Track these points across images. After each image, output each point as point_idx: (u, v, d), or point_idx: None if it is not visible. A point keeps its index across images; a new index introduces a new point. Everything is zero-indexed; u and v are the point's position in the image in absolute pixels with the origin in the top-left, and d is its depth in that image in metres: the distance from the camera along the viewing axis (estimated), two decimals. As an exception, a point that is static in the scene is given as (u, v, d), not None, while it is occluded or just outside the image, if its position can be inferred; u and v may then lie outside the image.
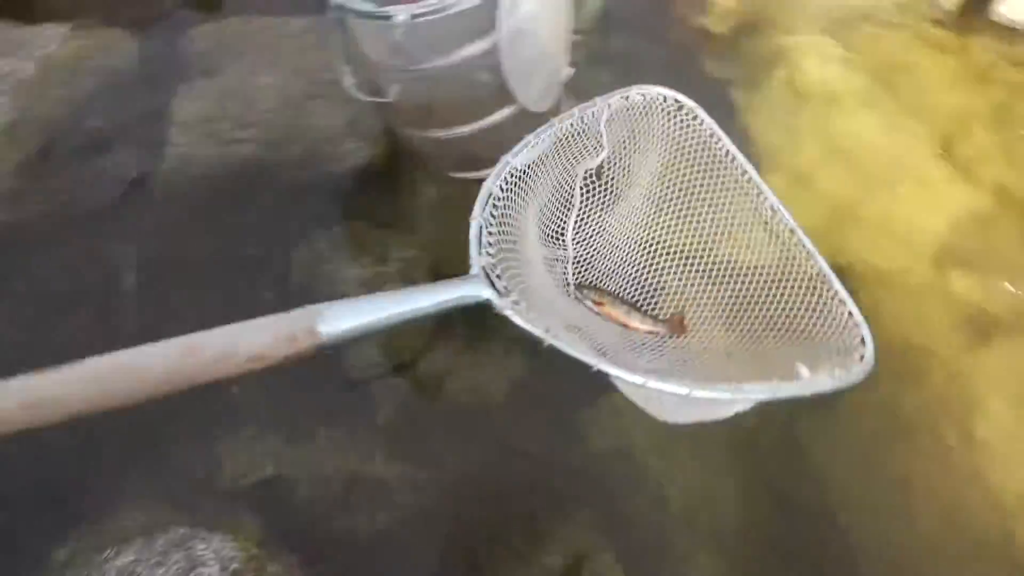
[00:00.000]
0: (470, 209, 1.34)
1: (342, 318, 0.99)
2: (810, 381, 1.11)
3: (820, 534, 2.04)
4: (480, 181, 1.33)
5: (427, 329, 2.28)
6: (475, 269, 1.16)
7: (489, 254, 1.20)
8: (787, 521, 2.13)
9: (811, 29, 3.11)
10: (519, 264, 1.27)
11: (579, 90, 2.51)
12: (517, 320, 1.10)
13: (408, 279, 2.36)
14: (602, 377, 1.08)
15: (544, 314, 1.17)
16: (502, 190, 1.28)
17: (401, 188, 2.56)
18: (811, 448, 2.20)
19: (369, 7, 1.89)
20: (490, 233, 1.23)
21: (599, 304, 1.44)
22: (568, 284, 1.48)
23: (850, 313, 1.22)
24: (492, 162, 2.06)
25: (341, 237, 2.41)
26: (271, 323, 0.95)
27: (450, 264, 2.42)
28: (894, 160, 2.78)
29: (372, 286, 2.33)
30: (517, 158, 1.32)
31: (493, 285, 1.15)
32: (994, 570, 2.06)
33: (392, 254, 2.39)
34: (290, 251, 2.37)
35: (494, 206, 1.26)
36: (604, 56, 2.89)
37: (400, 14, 1.83)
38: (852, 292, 1.29)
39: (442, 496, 2.01)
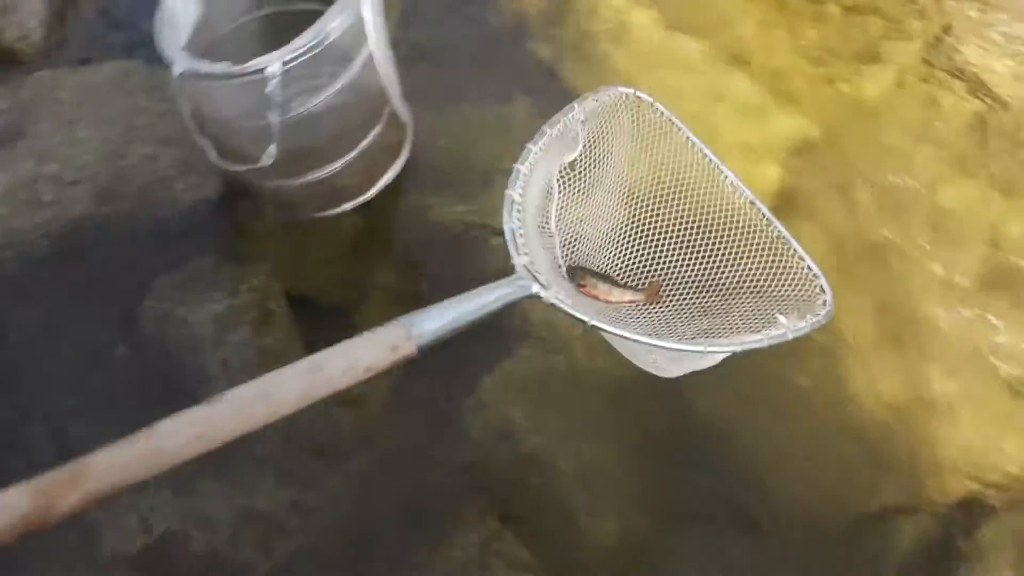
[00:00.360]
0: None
1: (428, 322, 1.21)
2: (790, 326, 1.36)
3: (712, 476, 2.17)
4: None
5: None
6: (518, 269, 1.34)
7: (525, 253, 1.36)
8: (678, 469, 2.23)
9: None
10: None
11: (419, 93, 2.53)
12: (566, 308, 1.31)
13: (264, 308, 2.32)
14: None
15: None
16: (520, 195, 1.44)
17: (242, 218, 2.50)
18: (692, 397, 2.28)
19: (225, 67, 1.76)
20: (521, 235, 1.39)
21: (582, 286, 1.62)
22: (560, 267, 1.65)
23: (809, 267, 1.46)
24: (356, 192, 2.01)
25: (187, 278, 2.35)
26: (373, 337, 1.18)
27: (305, 284, 2.39)
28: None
29: (227, 322, 2.28)
30: (525, 164, 1.47)
31: (537, 280, 1.32)
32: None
33: (243, 286, 2.35)
34: (137, 303, 2.29)
35: (517, 210, 1.41)
36: (425, 51, 2.89)
37: (271, 65, 1.71)
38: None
39: (333, 515, 2.00)
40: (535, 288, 1.31)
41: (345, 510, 2.08)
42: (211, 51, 2.03)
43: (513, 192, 1.43)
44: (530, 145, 1.50)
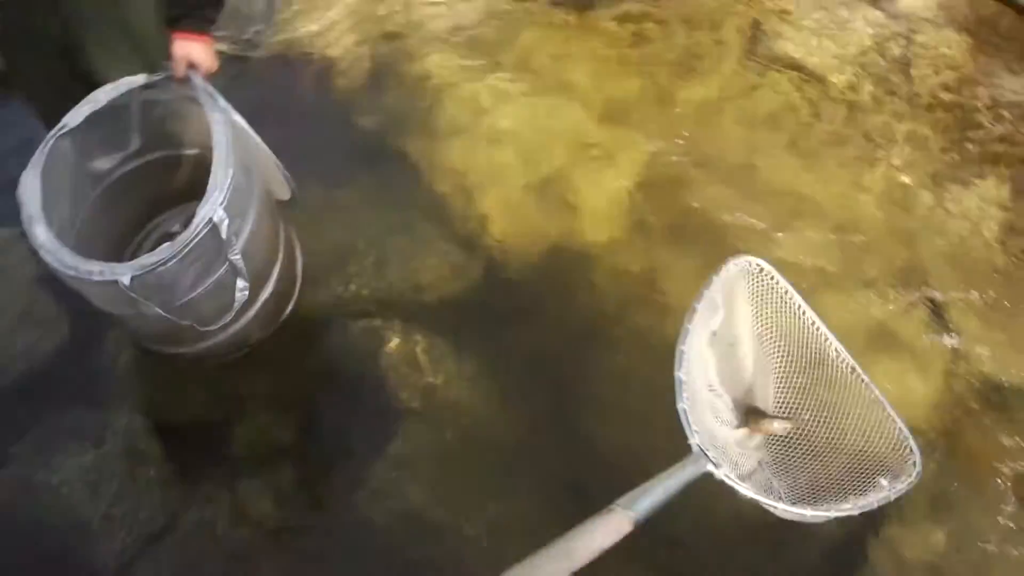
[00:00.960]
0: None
1: (640, 501, 1.48)
2: (890, 488, 1.59)
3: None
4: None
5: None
6: (694, 448, 1.51)
7: (696, 431, 1.52)
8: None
9: (442, 47, 3.20)
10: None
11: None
12: (738, 488, 1.51)
13: (134, 451, 2.22)
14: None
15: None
16: (685, 375, 1.58)
17: (99, 361, 2.39)
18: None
19: (74, 269, 1.72)
20: (690, 413, 1.53)
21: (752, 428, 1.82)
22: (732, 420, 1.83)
23: (900, 429, 1.67)
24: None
25: (46, 438, 2.22)
26: (605, 522, 1.46)
27: (175, 419, 2.29)
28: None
29: (99, 472, 2.18)
30: (685, 343, 1.63)
31: (708, 458, 1.51)
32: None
33: (108, 432, 2.24)
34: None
35: (684, 389, 1.55)
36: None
37: (124, 276, 1.70)
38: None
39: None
40: (709, 467, 1.51)
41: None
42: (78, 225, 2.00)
43: (679, 372, 1.57)
44: (685, 323, 1.65)
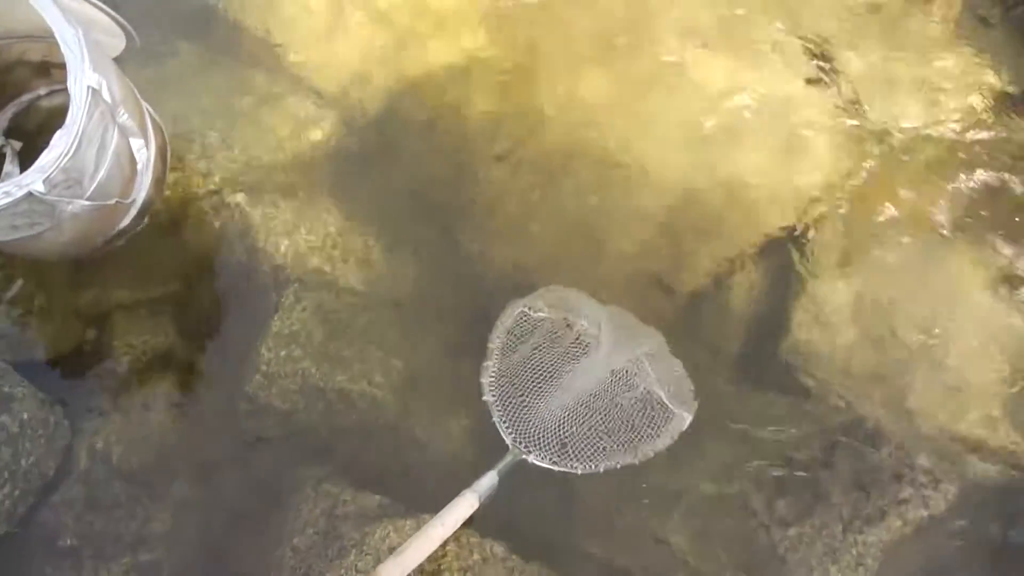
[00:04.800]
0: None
1: (481, 483, 1.76)
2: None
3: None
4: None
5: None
6: (511, 447, 1.84)
7: (510, 432, 1.84)
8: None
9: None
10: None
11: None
12: (553, 468, 1.83)
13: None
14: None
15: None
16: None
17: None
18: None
19: None
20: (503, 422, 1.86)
21: None
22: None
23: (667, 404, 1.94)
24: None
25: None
26: (455, 506, 1.72)
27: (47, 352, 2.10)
28: None
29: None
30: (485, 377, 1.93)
31: (521, 451, 1.82)
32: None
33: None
34: None
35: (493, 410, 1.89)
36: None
37: (35, 182, 1.55)
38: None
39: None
40: (522, 457, 1.81)
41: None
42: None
43: (487, 397, 1.89)
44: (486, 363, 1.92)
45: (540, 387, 1.90)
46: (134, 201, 1.95)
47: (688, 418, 1.90)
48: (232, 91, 2.34)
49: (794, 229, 2.25)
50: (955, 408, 2.05)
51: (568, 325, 1.97)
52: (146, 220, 2.08)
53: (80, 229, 1.83)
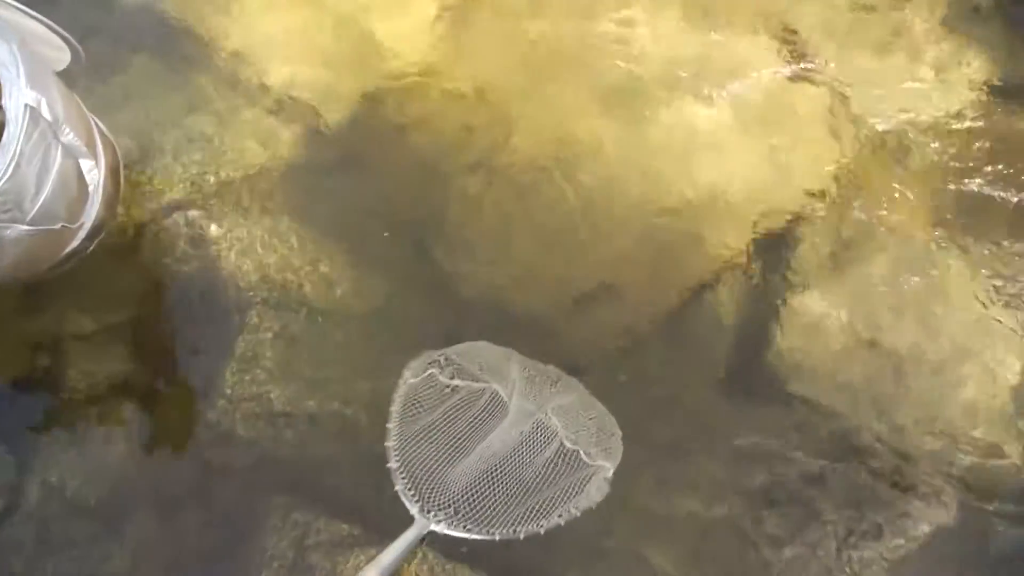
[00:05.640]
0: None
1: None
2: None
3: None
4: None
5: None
6: (416, 517, 1.68)
7: (417, 502, 1.69)
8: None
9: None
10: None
11: None
12: (465, 536, 1.67)
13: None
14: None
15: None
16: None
17: None
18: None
19: None
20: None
21: None
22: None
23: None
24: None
25: None
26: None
27: None
28: None
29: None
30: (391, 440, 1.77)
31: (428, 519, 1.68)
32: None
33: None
34: None
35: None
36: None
37: None
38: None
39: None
40: (431, 527, 1.67)
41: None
42: None
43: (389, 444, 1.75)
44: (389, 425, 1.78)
45: (451, 454, 1.78)
46: (83, 224, 1.85)
47: (610, 468, 1.79)
48: (188, 104, 2.26)
49: (779, 234, 2.17)
50: (952, 416, 1.98)
51: (480, 388, 1.86)
52: (98, 242, 2.00)
53: (22, 254, 1.74)
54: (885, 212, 2.15)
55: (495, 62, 2.33)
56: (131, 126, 2.19)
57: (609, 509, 1.85)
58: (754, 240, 2.14)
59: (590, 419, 1.87)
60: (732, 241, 2.14)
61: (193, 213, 2.13)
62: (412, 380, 1.84)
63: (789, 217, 2.17)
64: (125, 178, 2.07)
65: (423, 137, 2.25)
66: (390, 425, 1.77)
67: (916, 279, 2.09)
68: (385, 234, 2.14)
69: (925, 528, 1.86)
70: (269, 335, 2.03)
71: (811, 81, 2.33)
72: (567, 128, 2.26)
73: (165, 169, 2.18)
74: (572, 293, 2.10)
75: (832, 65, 2.33)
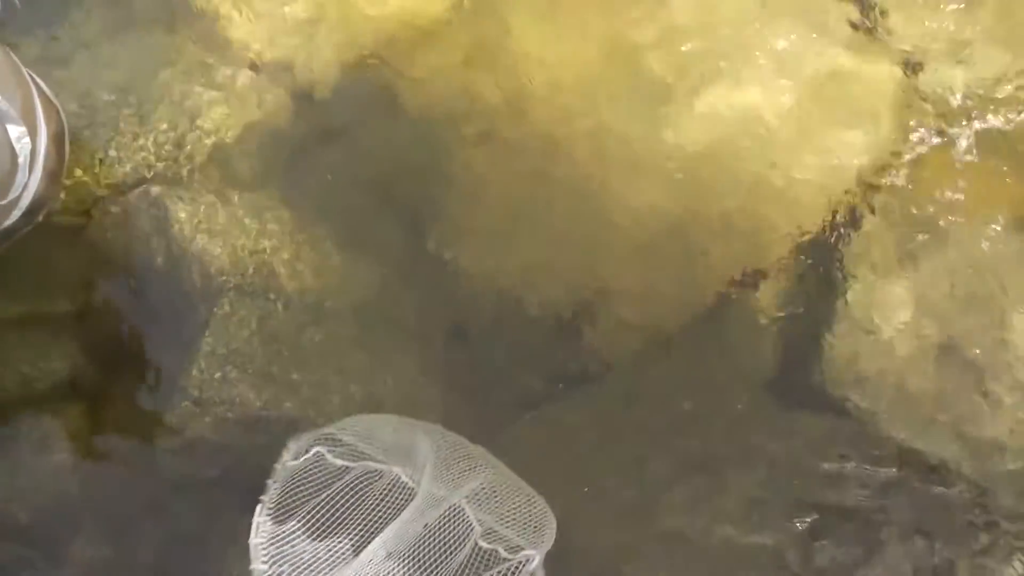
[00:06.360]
0: None
1: None
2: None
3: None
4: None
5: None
6: None
7: None
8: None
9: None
10: None
11: None
12: None
13: None
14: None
15: None
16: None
17: None
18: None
19: None
20: None
21: None
22: None
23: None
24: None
25: None
26: None
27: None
28: None
29: None
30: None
31: None
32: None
33: None
34: None
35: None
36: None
37: None
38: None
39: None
40: None
41: None
42: None
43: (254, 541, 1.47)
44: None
45: (336, 555, 1.52)
46: (17, 199, 1.68)
47: (535, 556, 1.56)
48: (151, 62, 2.05)
49: (835, 223, 1.97)
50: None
51: (377, 469, 1.62)
52: (39, 220, 1.84)
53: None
54: (961, 198, 1.95)
55: (510, 9, 2.11)
56: (81, 87, 2.00)
57: (631, 530, 1.76)
58: (806, 228, 1.95)
59: (514, 505, 1.63)
60: (779, 231, 1.96)
61: (155, 189, 1.95)
62: (292, 463, 1.55)
63: (847, 202, 1.97)
64: (72, 148, 1.90)
65: (420, 103, 2.06)
66: (259, 519, 1.49)
67: (997, 274, 1.89)
68: (328, 176, 1.98)
69: (1011, 572, 1.65)
70: (243, 329, 1.87)
71: (878, 53, 2.07)
72: (591, 95, 2.05)
73: (121, 137, 1.99)
74: (591, 287, 1.94)
75: (902, 34, 2.08)
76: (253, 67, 2.07)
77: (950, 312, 1.87)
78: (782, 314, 1.92)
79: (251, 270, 1.90)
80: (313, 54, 2.09)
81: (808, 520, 1.75)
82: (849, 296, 1.90)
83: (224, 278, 1.88)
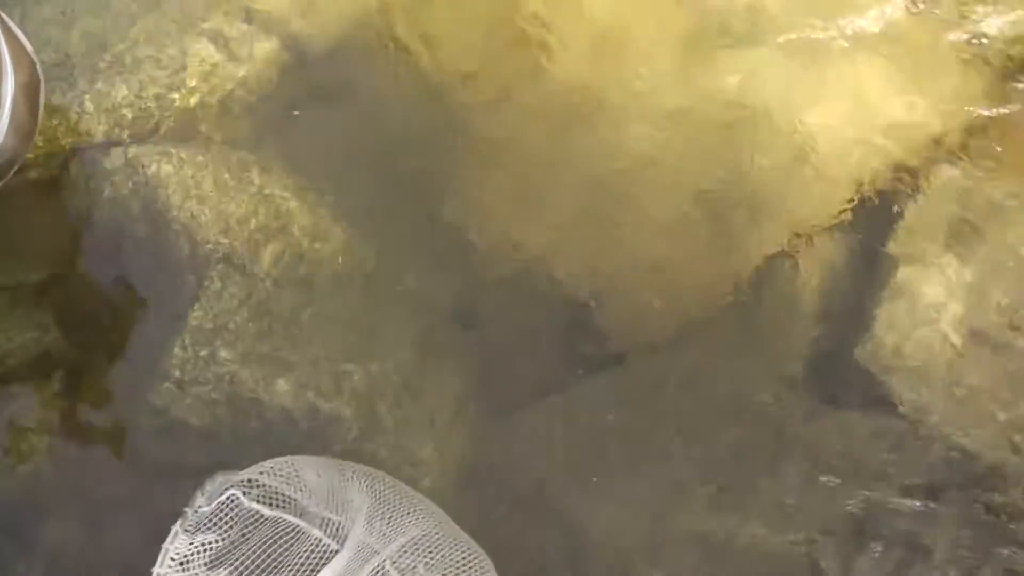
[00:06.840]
0: None
1: None
2: None
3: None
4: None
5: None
6: None
7: None
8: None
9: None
10: None
11: None
12: None
13: None
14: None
15: None
16: None
17: None
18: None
19: None
20: None
21: None
22: None
23: None
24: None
25: None
26: None
27: None
28: None
29: None
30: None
31: None
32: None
33: None
34: None
35: None
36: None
37: None
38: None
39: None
40: None
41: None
42: None
43: None
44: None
45: None
46: None
47: None
48: (133, 6, 1.99)
49: (883, 195, 1.91)
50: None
51: (295, 524, 1.52)
52: (8, 179, 1.75)
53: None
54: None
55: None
56: (56, 34, 1.95)
57: (653, 529, 1.69)
58: (850, 205, 1.89)
59: (454, 559, 1.54)
60: (819, 206, 1.91)
61: (136, 148, 1.88)
62: (204, 508, 1.48)
63: (897, 173, 1.90)
64: (46, 100, 1.80)
65: (432, 59, 2.00)
66: (159, 569, 1.41)
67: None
68: (295, 112, 1.92)
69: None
70: (233, 302, 1.80)
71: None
72: (621, 56, 1.98)
73: (99, 89, 1.93)
74: (614, 266, 1.89)
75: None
76: (244, 16, 2.00)
77: (1012, 301, 1.77)
78: (822, 296, 1.86)
79: (242, 240, 1.83)
80: (314, 3, 2.02)
81: (846, 523, 1.67)
82: (898, 277, 1.83)
83: (211, 247, 1.81)
